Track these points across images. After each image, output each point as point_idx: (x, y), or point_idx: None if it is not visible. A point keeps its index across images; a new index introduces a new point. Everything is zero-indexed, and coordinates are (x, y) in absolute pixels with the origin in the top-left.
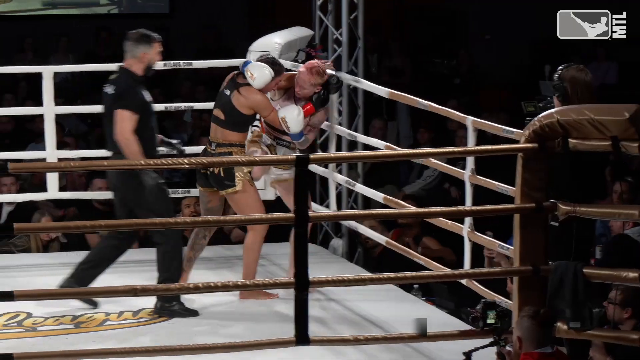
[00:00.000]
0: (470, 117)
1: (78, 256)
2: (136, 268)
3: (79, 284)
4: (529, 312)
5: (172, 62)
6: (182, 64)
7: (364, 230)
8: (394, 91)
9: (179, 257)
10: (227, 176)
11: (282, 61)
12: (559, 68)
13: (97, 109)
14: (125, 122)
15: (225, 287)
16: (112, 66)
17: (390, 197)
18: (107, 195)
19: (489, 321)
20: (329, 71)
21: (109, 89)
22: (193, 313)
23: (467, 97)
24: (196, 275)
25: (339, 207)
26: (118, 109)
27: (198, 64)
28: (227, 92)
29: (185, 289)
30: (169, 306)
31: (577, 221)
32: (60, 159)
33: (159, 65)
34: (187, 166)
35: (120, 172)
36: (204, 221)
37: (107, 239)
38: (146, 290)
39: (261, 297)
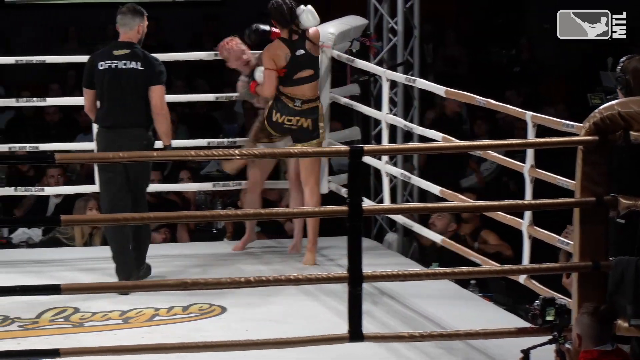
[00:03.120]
0: (530, 112)
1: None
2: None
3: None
4: (588, 309)
5: None
6: None
7: (419, 228)
8: (449, 89)
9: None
10: (314, 128)
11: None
12: (622, 59)
13: None
14: (163, 97)
15: (277, 281)
16: (162, 56)
17: (447, 190)
18: (158, 187)
19: (548, 318)
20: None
21: (129, 64)
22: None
23: (526, 87)
24: (251, 268)
25: (394, 201)
26: (156, 85)
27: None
28: (302, 52)
29: (237, 282)
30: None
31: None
32: None
33: (210, 55)
34: (238, 157)
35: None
36: (267, 214)
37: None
38: (196, 283)
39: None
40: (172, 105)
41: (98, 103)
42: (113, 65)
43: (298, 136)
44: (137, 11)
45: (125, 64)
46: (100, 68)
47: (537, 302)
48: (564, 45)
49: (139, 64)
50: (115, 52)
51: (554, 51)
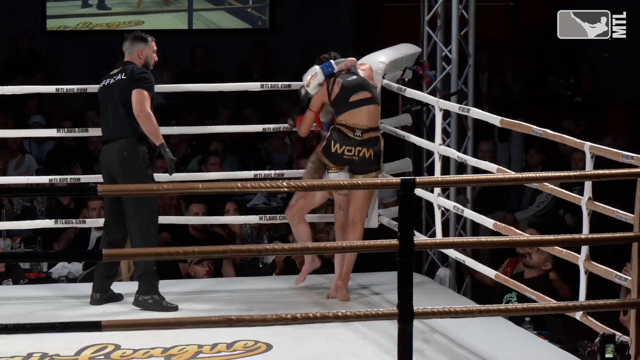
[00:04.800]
0: (588, 143)
1: (167, 284)
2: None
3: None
4: None
5: (269, 83)
6: (279, 85)
7: (472, 263)
8: (505, 119)
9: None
10: (376, 159)
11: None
12: None
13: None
14: (145, 100)
15: (324, 318)
16: (207, 86)
17: (501, 224)
18: (204, 220)
19: (607, 355)
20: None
21: (117, 77)
22: (169, 308)
23: (585, 117)
24: (297, 305)
25: (446, 235)
26: (137, 89)
27: (298, 85)
28: (354, 76)
29: (283, 319)
30: (145, 299)
31: None
32: None
33: (256, 85)
34: (286, 189)
35: (126, 162)
36: (314, 248)
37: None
38: (241, 320)
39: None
40: (217, 135)
41: None
42: (106, 83)
43: (357, 168)
44: (138, 38)
45: (114, 79)
46: (98, 88)
47: (597, 339)
48: (624, 74)
49: (123, 74)
50: (112, 72)
51: (618, 80)
